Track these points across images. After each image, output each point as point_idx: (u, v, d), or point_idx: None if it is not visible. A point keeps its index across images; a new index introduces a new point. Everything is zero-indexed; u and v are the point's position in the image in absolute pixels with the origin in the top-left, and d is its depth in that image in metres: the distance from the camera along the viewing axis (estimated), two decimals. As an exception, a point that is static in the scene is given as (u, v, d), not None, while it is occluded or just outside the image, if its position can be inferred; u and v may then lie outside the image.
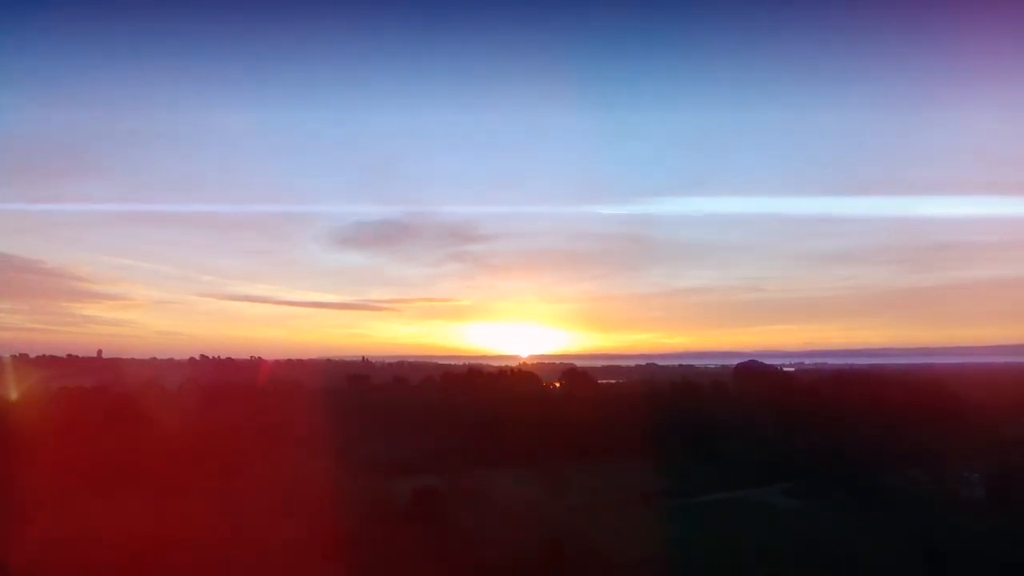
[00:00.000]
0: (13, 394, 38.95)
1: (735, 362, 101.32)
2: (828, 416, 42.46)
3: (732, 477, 37.24)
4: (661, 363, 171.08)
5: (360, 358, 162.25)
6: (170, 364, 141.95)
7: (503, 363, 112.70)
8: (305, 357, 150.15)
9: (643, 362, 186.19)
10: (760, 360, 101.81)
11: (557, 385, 69.56)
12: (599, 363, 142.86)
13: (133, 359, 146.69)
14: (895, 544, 19.14)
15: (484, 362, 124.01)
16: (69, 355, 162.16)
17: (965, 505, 27.38)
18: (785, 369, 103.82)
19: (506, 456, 37.83)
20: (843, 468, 33.46)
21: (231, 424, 37.44)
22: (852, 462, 34.07)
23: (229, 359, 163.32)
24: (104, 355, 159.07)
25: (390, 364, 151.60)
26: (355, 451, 35.64)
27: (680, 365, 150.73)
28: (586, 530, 20.47)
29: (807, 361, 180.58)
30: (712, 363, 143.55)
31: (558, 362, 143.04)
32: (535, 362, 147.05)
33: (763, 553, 18.40)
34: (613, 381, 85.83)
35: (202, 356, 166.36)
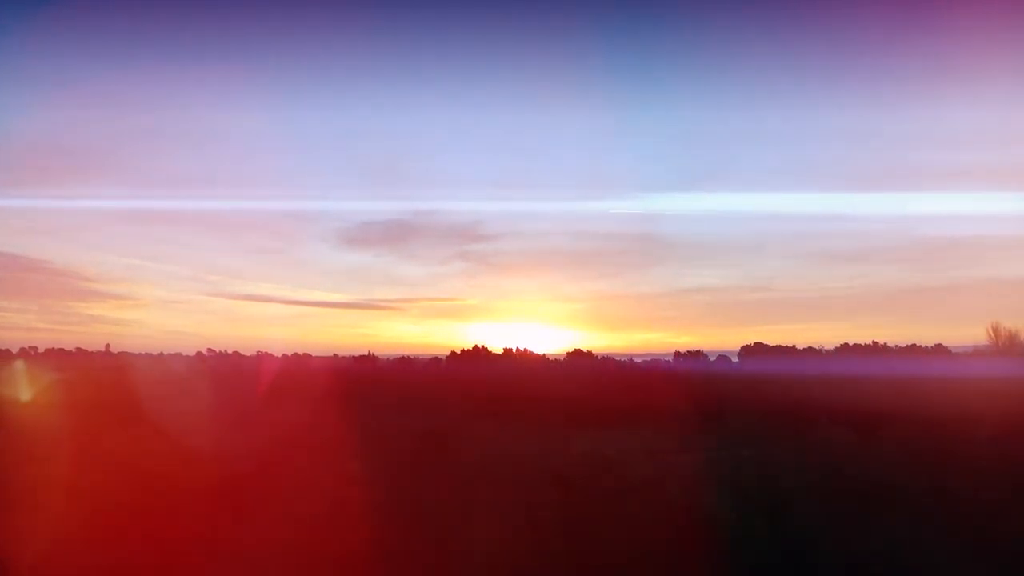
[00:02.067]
0: (26, 393, 39.82)
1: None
2: (832, 382, 42.94)
3: (737, 439, 37.82)
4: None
5: (366, 353, 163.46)
6: (177, 358, 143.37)
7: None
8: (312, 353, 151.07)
9: (651, 359, 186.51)
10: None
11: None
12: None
13: (141, 354, 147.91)
14: (895, 470, 19.57)
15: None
16: (78, 348, 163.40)
17: (967, 451, 27.85)
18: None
19: (509, 422, 38.40)
20: (847, 425, 34.07)
21: (241, 389, 38.16)
22: (856, 421, 34.70)
23: (236, 353, 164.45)
24: (112, 350, 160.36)
25: (396, 358, 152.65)
26: (359, 417, 36.30)
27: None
28: (594, 457, 20.94)
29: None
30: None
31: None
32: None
33: (764, 474, 18.93)
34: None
35: (208, 350, 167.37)
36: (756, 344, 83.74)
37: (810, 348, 60.12)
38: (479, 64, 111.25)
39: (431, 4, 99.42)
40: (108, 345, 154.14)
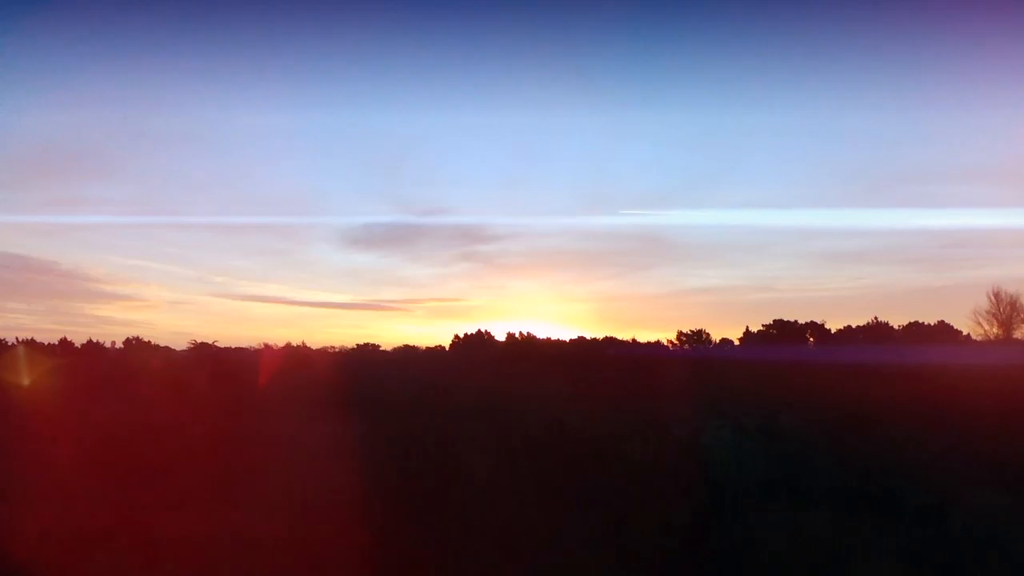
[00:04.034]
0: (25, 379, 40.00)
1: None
2: (827, 358, 43.47)
3: (737, 410, 38.15)
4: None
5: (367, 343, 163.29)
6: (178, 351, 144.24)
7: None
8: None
9: (654, 341, 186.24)
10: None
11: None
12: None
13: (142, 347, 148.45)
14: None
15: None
16: (82, 344, 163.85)
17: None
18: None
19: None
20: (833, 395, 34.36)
21: (242, 369, 38.56)
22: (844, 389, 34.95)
23: (239, 348, 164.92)
24: (117, 347, 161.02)
25: (399, 347, 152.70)
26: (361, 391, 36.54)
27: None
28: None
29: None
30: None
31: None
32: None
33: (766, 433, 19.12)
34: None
35: (214, 342, 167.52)
36: (759, 332, 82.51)
37: (812, 322, 59.83)
38: (486, 66, 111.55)
39: (436, 10, 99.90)
40: (114, 342, 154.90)
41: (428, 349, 70.15)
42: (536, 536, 8.96)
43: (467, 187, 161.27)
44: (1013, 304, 58.45)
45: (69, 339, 65.32)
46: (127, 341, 64.64)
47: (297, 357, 54.03)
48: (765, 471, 11.79)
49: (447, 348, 78.11)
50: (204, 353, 49.16)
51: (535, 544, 8.71)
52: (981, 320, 59.59)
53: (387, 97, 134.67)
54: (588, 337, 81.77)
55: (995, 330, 58.95)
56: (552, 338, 63.94)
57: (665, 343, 63.62)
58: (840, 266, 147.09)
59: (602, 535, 8.95)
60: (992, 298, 58.92)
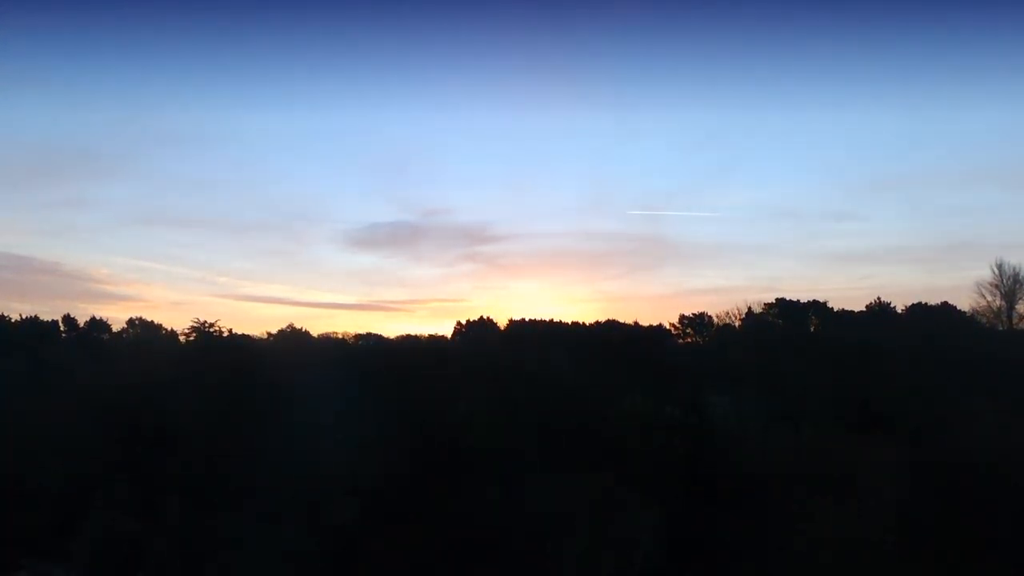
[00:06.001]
0: None
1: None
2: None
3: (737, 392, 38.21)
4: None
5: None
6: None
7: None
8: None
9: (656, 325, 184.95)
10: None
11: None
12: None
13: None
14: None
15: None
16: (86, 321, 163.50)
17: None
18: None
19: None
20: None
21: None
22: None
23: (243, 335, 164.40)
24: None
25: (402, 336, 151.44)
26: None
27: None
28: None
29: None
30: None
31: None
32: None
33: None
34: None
35: (216, 321, 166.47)
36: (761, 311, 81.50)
37: (814, 301, 59.52)
38: (490, 68, 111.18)
39: (439, 10, 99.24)
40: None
41: (431, 337, 70.26)
42: (532, 466, 8.99)
43: (470, 188, 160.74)
44: (1015, 276, 58.25)
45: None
46: (130, 320, 65.17)
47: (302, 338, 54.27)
48: (766, 410, 11.80)
49: (449, 337, 78.28)
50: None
51: (530, 472, 8.73)
52: (984, 291, 59.46)
53: (390, 99, 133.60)
54: (589, 323, 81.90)
55: (998, 302, 58.82)
56: (555, 319, 64.13)
57: (667, 326, 63.71)
58: (842, 266, 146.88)
59: (601, 463, 8.98)
60: (995, 270, 58.85)
